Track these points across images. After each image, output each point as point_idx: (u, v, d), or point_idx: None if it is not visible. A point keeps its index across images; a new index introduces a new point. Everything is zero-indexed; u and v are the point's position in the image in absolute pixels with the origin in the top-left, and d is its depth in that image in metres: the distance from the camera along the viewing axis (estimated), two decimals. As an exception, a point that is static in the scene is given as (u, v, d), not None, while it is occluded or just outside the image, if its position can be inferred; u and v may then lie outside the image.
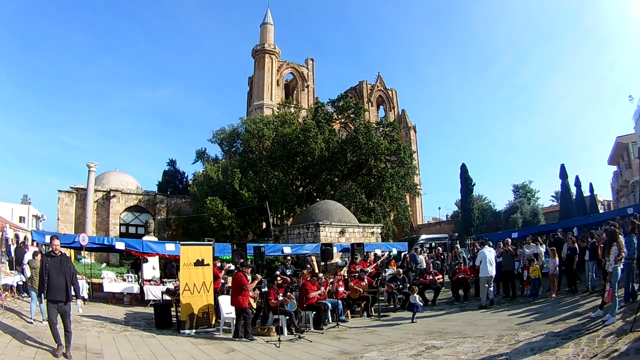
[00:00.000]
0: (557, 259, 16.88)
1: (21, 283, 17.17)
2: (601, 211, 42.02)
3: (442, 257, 26.58)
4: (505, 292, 17.82)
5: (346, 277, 18.85)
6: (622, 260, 10.89)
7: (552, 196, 67.92)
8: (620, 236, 11.25)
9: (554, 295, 16.09)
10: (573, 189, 37.51)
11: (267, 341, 12.54)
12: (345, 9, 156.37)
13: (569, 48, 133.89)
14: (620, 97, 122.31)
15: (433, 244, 35.75)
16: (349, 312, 16.71)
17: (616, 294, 10.47)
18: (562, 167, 36.40)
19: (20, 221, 41.42)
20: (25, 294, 16.79)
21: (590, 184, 40.42)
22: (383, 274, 20.57)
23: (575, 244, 16.99)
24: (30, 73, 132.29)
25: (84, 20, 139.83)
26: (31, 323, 12.51)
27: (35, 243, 19.02)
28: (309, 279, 15.48)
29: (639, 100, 36.39)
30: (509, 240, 19.52)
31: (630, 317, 9.81)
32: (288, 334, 13.45)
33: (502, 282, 18.23)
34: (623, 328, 9.37)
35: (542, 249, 18.37)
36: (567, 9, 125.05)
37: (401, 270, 19.89)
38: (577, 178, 37.14)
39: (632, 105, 38.60)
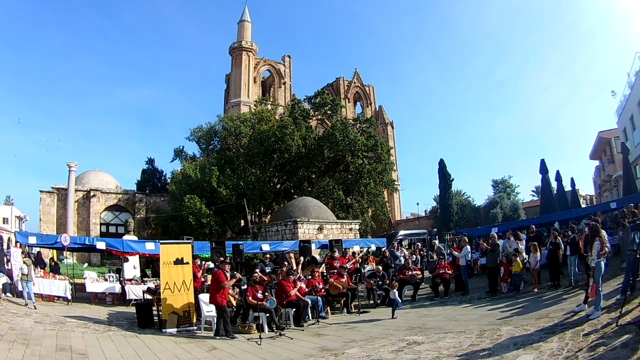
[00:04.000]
0: (538, 253, 16.99)
1: (7, 283, 17.41)
2: (583, 206, 42.54)
3: (421, 252, 26.93)
4: (490, 287, 17.79)
5: (325, 274, 19.14)
6: (605, 255, 10.91)
7: (533, 191, 68.77)
8: (602, 231, 11.28)
9: (536, 290, 16.13)
10: (554, 184, 37.96)
11: (248, 339, 12.48)
12: (321, 5, 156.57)
13: (550, 43, 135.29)
14: (601, 93, 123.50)
15: (412, 239, 36.19)
16: (328, 308, 16.67)
17: (600, 289, 10.50)
18: (542, 162, 36.57)
19: (3, 222, 41.20)
20: (10, 294, 17.03)
21: (572, 179, 40.55)
22: (362, 270, 20.89)
23: (559, 239, 17.02)
24: (9, 73, 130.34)
25: (62, 19, 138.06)
26: (35, 309, 15.27)
27: (18, 244, 19.13)
28: (284, 276, 15.71)
29: (622, 95, 36.89)
30: (495, 235, 19.60)
31: (615, 311, 9.87)
32: (269, 331, 13.47)
33: (488, 276, 18.35)
34: (608, 323, 9.37)
35: (522, 245, 18.64)
36: (548, 5, 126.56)
37: (381, 267, 20.12)
38: (557, 173, 37.36)
39: (615, 100, 39.19)
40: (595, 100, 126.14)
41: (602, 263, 10.80)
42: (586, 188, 57.69)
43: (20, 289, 16.78)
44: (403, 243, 34.75)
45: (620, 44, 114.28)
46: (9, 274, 17.92)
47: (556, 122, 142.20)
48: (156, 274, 20.23)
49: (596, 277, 10.65)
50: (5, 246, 19.49)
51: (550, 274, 16.72)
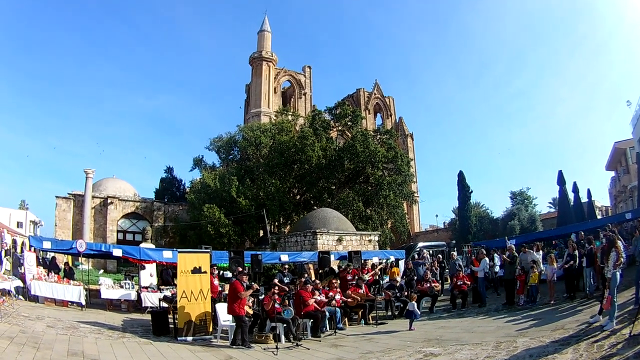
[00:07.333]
0: (555, 265, 16.92)
1: (20, 287, 17.33)
2: (599, 217, 41.96)
3: (441, 264, 26.57)
4: (507, 299, 17.71)
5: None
6: (621, 266, 10.89)
7: (550, 202, 67.95)
8: (618, 242, 11.24)
9: (552, 301, 16.03)
10: (571, 195, 37.48)
11: (264, 349, 12.47)
12: (342, 16, 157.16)
13: (565, 53, 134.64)
14: (617, 103, 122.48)
15: (430, 251, 35.73)
16: (346, 319, 16.62)
17: (615, 300, 10.47)
18: (560, 174, 36.40)
19: (18, 226, 41.33)
20: (22, 297, 16.93)
21: (588, 190, 40.39)
22: (381, 282, 20.58)
23: (576, 251, 16.88)
24: (29, 77, 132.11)
25: (82, 25, 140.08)
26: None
27: (32, 248, 19.08)
28: (302, 286, 15.48)
29: (637, 105, 36.44)
30: (512, 246, 19.52)
31: (629, 322, 9.83)
32: (286, 341, 13.40)
33: (505, 288, 18.26)
34: (622, 333, 9.37)
35: (540, 255, 18.34)
36: (563, 16, 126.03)
37: (399, 278, 19.85)
38: (574, 184, 37.18)
39: (630, 110, 38.70)
40: (612, 110, 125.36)
41: (618, 274, 10.82)
42: (602, 199, 56.92)
43: (33, 292, 16.87)
44: (422, 255, 34.28)
45: (635, 53, 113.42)
46: (22, 277, 17.86)
47: (573, 132, 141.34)
48: (167, 283, 20.14)
49: (611, 288, 10.70)
50: (19, 250, 19.46)
51: (566, 285, 16.74)
